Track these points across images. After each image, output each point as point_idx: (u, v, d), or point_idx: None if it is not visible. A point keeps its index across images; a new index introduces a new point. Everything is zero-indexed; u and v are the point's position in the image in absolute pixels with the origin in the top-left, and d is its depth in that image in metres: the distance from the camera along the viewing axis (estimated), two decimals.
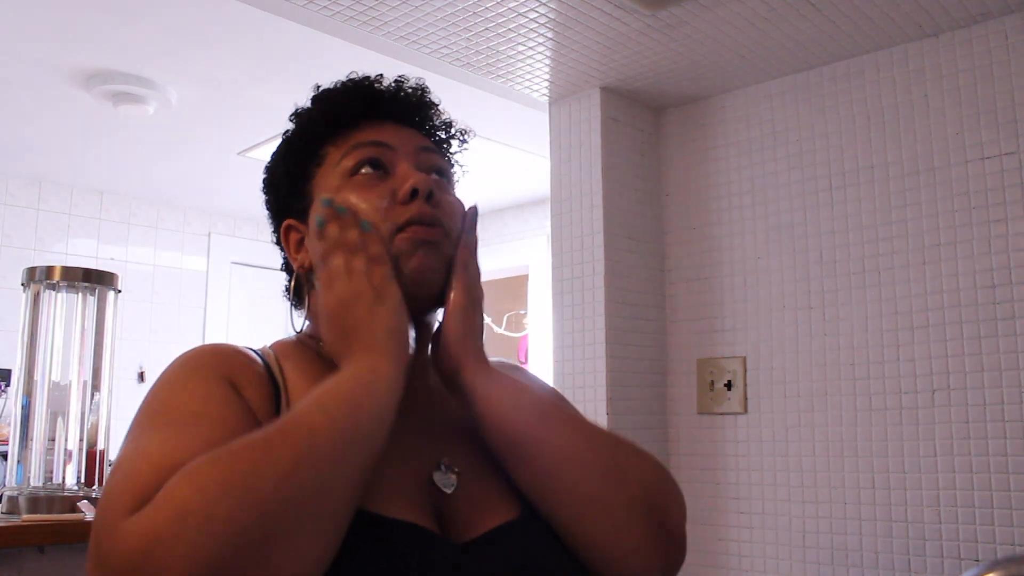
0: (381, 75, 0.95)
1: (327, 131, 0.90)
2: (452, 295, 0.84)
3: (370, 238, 0.81)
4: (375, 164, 0.86)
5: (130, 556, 0.58)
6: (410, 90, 0.94)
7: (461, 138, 0.98)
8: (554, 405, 0.84)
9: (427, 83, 0.97)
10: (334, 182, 0.86)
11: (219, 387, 0.75)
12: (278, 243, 0.93)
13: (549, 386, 0.97)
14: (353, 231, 0.81)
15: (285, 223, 0.91)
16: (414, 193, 0.83)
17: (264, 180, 0.96)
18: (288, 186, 0.91)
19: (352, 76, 0.95)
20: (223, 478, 0.61)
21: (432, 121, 0.95)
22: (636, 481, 0.79)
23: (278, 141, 0.99)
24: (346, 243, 0.80)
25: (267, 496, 0.60)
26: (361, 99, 0.91)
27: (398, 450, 0.79)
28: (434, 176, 0.88)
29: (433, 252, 0.84)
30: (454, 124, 0.98)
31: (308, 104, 0.95)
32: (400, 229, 0.83)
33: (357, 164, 0.86)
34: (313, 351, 0.86)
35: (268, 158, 0.97)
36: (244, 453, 0.63)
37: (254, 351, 0.84)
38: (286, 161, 0.93)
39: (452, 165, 0.97)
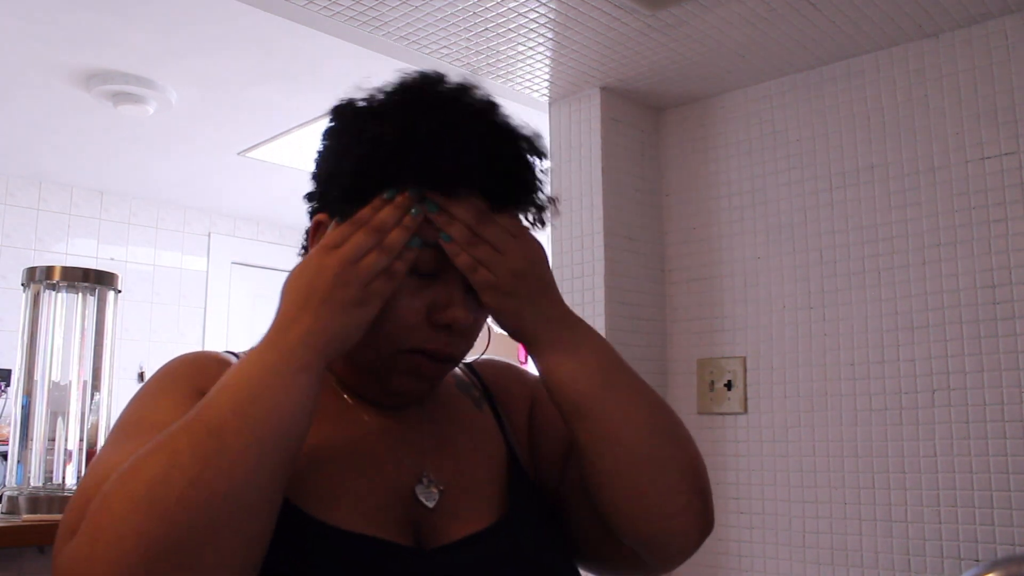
0: (490, 110, 0.78)
1: (396, 182, 0.75)
2: (483, 301, 0.78)
3: (408, 254, 0.74)
4: (427, 271, 0.77)
5: None
6: (510, 168, 0.78)
7: (538, 217, 0.84)
8: (618, 369, 0.81)
9: (538, 133, 0.81)
10: None
11: (188, 399, 0.74)
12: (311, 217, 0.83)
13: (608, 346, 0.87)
14: (400, 235, 0.73)
15: (318, 217, 0.80)
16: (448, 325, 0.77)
17: (316, 170, 0.83)
18: (341, 192, 0.78)
19: (449, 120, 0.75)
20: (129, 493, 0.61)
21: (523, 201, 0.81)
22: (687, 447, 0.81)
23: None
24: (385, 236, 0.72)
25: (173, 506, 0.60)
26: (447, 173, 0.74)
27: (379, 462, 0.79)
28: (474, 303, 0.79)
29: (427, 385, 0.81)
30: (544, 206, 0.83)
31: (391, 122, 0.76)
32: (411, 350, 0.77)
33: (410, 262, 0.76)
34: None
35: (323, 137, 0.82)
36: (150, 460, 0.62)
37: (236, 356, 0.83)
38: (354, 177, 0.77)
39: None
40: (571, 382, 0.78)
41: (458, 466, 0.82)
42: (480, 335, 0.84)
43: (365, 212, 0.74)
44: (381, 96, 0.79)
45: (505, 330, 0.80)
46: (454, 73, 0.80)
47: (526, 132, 0.80)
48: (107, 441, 0.76)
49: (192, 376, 0.78)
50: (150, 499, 0.60)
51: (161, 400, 0.76)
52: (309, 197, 0.83)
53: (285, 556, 0.69)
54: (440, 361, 0.79)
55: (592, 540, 0.85)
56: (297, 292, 0.71)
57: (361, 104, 0.80)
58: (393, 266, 0.73)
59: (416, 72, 0.81)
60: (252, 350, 0.70)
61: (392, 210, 0.73)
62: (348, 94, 0.81)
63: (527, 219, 0.82)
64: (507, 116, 0.80)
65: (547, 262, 0.81)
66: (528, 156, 0.80)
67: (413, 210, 0.74)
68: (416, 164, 0.74)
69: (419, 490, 0.78)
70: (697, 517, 0.79)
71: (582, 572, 0.86)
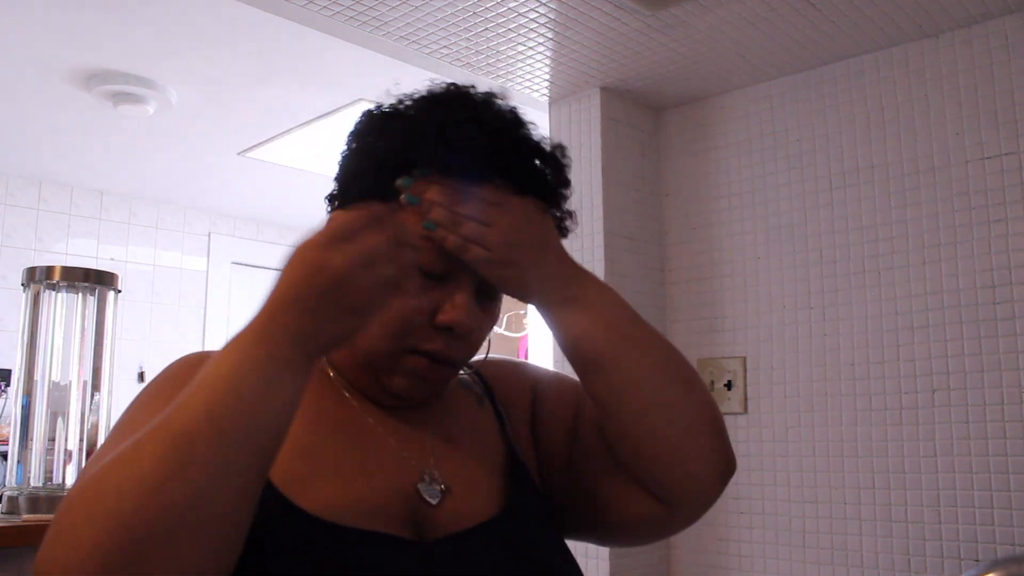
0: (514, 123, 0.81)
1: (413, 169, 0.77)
2: (483, 276, 0.78)
3: (421, 247, 0.74)
4: (436, 272, 0.77)
5: None
6: (526, 159, 0.81)
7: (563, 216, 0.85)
8: (631, 320, 0.82)
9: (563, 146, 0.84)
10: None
11: None
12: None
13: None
14: (413, 254, 0.69)
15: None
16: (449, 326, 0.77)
17: (339, 171, 0.83)
18: (363, 188, 0.79)
19: (486, 124, 0.79)
20: (88, 503, 0.60)
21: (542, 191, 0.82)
22: (703, 393, 0.82)
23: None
24: (401, 244, 0.67)
25: (129, 517, 0.58)
26: (477, 164, 0.76)
27: (383, 460, 0.79)
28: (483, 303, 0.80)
29: (426, 388, 0.81)
30: (563, 200, 0.85)
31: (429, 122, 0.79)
32: (412, 351, 0.77)
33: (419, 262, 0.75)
34: None
35: (348, 140, 0.84)
36: (113, 470, 0.61)
37: None
38: (377, 171, 0.78)
39: None
40: (585, 337, 0.79)
41: (461, 463, 0.83)
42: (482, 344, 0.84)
43: (381, 207, 0.69)
44: (407, 100, 0.83)
45: (511, 296, 0.81)
46: (482, 86, 0.84)
47: (546, 144, 0.83)
48: (102, 445, 0.75)
49: (188, 378, 0.77)
50: (106, 511, 0.59)
51: (155, 403, 0.75)
52: (330, 199, 0.84)
53: (281, 553, 0.69)
54: (440, 363, 0.79)
55: (614, 501, 0.85)
56: (294, 283, 0.64)
57: (387, 108, 0.83)
58: (402, 283, 0.67)
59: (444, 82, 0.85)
60: (234, 339, 0.64)
61: (412, 215, 0.75)
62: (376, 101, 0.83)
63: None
64: (529, 124, 0.83)
65: (543, 220, 0.81)
66: (546, 155, 0.82)
67: (410, 197, 0.75)
68: (433, 149, 0.76)
69: (422, 487, 0.78)
70: (716, 457, 0.81)
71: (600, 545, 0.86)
